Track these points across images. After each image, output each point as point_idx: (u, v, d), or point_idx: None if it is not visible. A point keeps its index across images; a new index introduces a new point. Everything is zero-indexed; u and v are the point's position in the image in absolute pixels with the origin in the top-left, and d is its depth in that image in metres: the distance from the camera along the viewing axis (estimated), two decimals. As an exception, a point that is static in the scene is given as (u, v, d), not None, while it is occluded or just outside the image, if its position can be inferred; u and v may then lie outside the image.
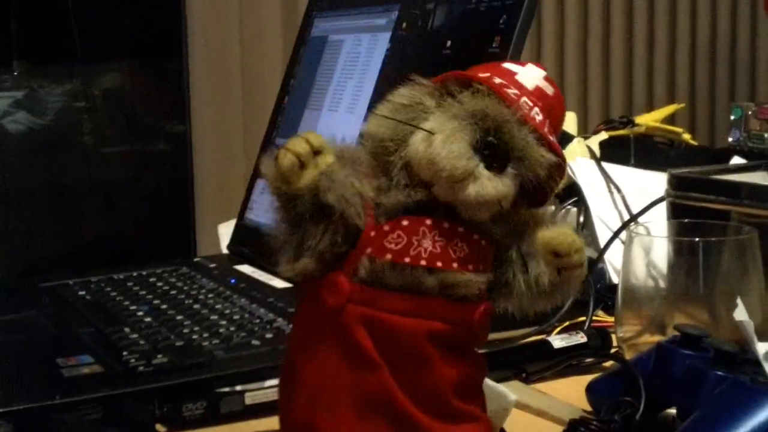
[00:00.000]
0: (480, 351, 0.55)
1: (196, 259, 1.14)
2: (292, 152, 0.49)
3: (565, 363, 0.81)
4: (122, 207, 2.15)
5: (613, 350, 0.84)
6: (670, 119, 1.50)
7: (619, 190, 1.11)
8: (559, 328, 0.92)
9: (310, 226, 0.50)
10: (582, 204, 1.12)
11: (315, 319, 0.51)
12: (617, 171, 1.16)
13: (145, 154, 2.25)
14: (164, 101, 2.26)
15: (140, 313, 0.91)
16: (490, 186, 0.49)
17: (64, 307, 0.97)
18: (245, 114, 2.12)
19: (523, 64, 0.54)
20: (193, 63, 2.10)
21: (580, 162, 1.17)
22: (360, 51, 1.10)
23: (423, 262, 0.50)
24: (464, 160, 0.48)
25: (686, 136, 1.37)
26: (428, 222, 0.50)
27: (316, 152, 0.50)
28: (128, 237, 2.12)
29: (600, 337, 0.85)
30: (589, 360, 0.83)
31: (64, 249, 2.06)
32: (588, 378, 0.75)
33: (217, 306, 0.91)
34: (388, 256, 0.50)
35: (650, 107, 2.46)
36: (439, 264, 0.50)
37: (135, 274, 1.08)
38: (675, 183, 0.93)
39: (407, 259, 0.50)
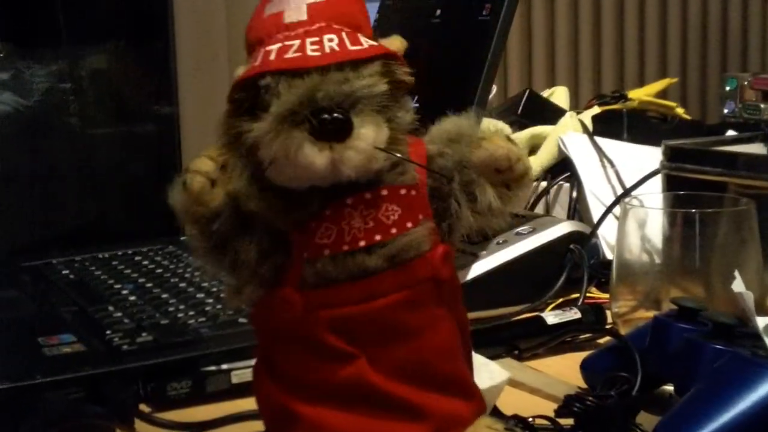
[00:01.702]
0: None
1: (182, 238, 1.12)
2: (200, 173, 0.47)
3: (558, 339, 0.79)
4: (109, 189, 2.13)
5: (607, 326, 0.83)
6: (662, 93, 1.48)
7: (612, 165, 1.10)
8: (552, 305, 0.90)
9: (237, 242, 0.48)
10: (575, 179, 1.10)
11: (278, 329, 0.49)
12: (610, 145, 1.14)
13: (133, 135, 2.23)
14: (151, 82, 2.24)
15: (125, 292, 0.89)
16: (354, 154, 0.46)
17: (47, 286, 0.95)
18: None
19: None
20: (180, 43, 2.08)
21: (573, 136, 1.15)
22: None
23: (362, 243, 0.47)
24: (316, 159, 0.45)
25: (679, 111, 1.35)
26: (349, 201, 0.48)
27: (223, 166, 0.47)
28: (115, 219, 2.10)
29: (594, 313, 0.83)
30: (583, 336, 0.82)
31: (50, 230, 2.04)
32: (582, 355, 0.74)
33: (204, 284, 0.90)
34: (326, 252, 0.47)
35: (642, 82, 2.45)
36: (378, 237, 0.47)
37: (120, 253, 1.06)
38: (670, 154, 0.92)
39: (345, 247, 0.47)
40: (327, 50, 0.46)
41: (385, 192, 0.48)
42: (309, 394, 0.49)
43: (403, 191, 0.49)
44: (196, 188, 0.47)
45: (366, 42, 0.48)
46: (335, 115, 0.45)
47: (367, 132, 0.46)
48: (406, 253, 0.48)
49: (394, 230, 0.48)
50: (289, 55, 0.46)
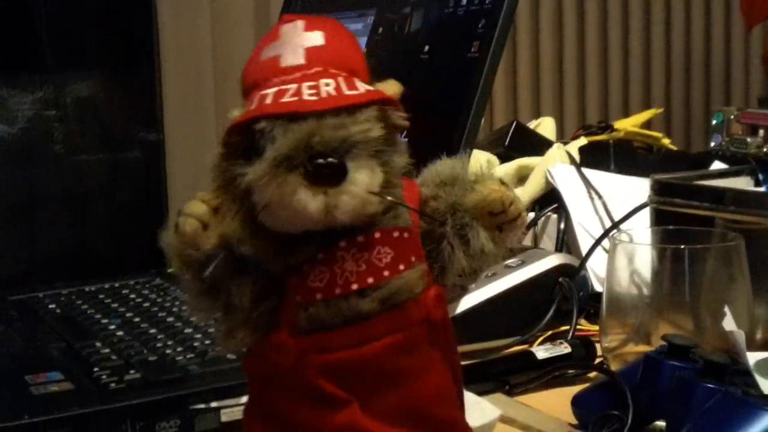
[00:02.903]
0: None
1: (169, 270, 1.11)
2: (192, 216, 0.46)
3: (549, 375, 0.79)
4: (95, 217, 2.12)
5: (597, 360, 0.83)
6: (647, 124, 1.49)
7: (600, 197, 1.10)
8: (541, 338, 0.90)
9: (230, 285, 0.47)
10: (562, 211, 1.10)
11: (271, 375, 0.49)
12: (597, 177, 1.14)
13: (118, 162, 2.22)
14: (137, 109, 2.23)
15: (112, 327, 0.88)
16: (349, 199, 0.46)
17: (34, 320, 0.95)
18: (218, 121, 2.10)
19: (277, 35, 0.49)
20: (166, 71, 2.08)
21: (560, 168, 1.15)
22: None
23: (354, 286, 0.47)
24: (311, 204, 0.45)
25: (665, 141, 1.35)
26: (343, 244, 0.47)
27: (216, 209, 0.47)
28: (101, 248, 2.09)
29: (584, 347, 0.83)
30: (573, 371, 0.81)
31: (34, 260, 2.02)
32: (572, 389, 0.74)
33: (192, 319, 0.89)
34: (318, 296, 0.47)
35: (626, 112, 2.46)
36: (370, 280, 0.47)
37: (107, 285, 1.05)
38: (658, 189, 0.92)
39: (338, 290, 0.47)
40: (324, 95, 0.46)
41: (377, 235, 0.48)
42: None
43: (395, 234, 0.48)
44: (188, 231, 0.46)
45: (362, 87, 0.47)
46: (330, 160, 0.45)
47: (362, 177, 0.46)
48: (399, 296, 0.48)
49: (386, 273, 0.47)
50: (286, 99, 0.46)
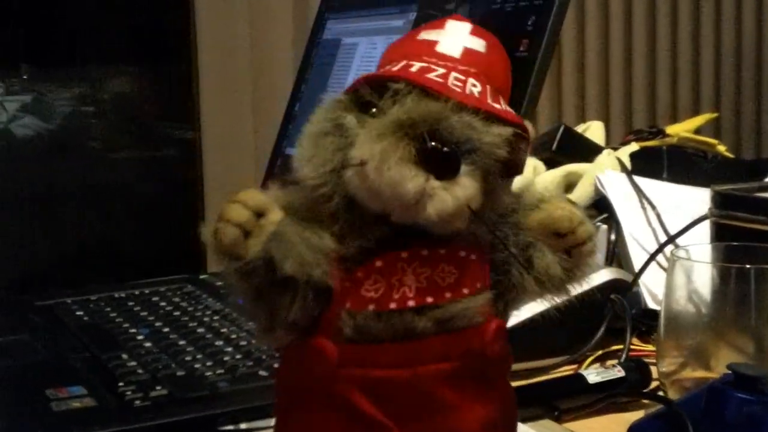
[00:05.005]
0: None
1: (202, 276, 1.08)
2: (231, 223, 0.42)
3: (603, 402, 0.74)
4: (130, 213, 2.11)
5: (653, 384, 0.77)
6: (696, 129, 1.43)
7: (653, 207, 1.04)
8: (591, 358, 0.85)
9: (275, 297, 0.43)
10: (613, 221, 1.05)
11: (306, 385, 0.45)
12: (650, 185, 1.09)
13: (154, 159, 2.22)
14: (173, 106, 2.22)
15: (140, 337, 0.85)
16: (448, 197, 0.42)
17: (60, 328, 0.91)
18: (255, 119, 2.07)
19: (441, 25, 0.46)
20: (203, 67, 2.06)
21: (610, 175, 1.10)
22: (375, 55, 1.04)
23: (411, 303, 0.43)
24: (409, 181, 0.41)
25: (721, 148, 1.30)
26: (404, 255, 0.43)
27: (259, 213, 0.43)
28: (135, 245, 2.08)
29: (639, 372, 0.78)
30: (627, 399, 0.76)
31: (68, 257, 2.02)
32: (626, 416, 0.69)
33: (223, 330, 0.85)
34: (371, 307, 0.43)
35: (675, 116, 2.40)
36: (430, 300, 0.43)
37: (137, 292, 1.02)
38: (719, 201, 0.86)
39: (393, 305, 0.43)
40: (467, 92, 0.44)
41: (443, 252, 0.44)
42: None
43: (462, 253, 0.44)
44: (227, 242, 0.42)
45: (504, 106, 0.45)
46: (447, 149, 0.42)
47: (471, 184, 0.43)
48: (457, 322, 0.44)
49: (448, 294, 0.44)
50: (431, 76, 0.44)
